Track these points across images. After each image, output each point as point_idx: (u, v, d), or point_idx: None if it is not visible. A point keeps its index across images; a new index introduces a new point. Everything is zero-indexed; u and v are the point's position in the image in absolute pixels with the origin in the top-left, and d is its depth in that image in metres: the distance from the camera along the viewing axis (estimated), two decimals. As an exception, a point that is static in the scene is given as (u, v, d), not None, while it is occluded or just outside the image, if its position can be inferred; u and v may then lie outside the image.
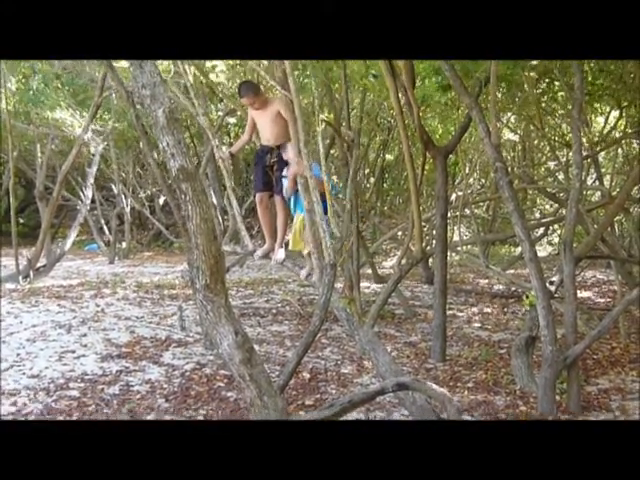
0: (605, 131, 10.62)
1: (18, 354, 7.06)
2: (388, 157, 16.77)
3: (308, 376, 6.58)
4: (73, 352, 7.22)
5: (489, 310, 10.15)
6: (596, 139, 10.03)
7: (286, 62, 4.86)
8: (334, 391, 6.21)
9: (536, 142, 13.67)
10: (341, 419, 4.85)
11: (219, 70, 8.85)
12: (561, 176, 11.67)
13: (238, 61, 7.98)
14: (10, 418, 5.26)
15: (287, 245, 6.18)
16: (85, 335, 7.98)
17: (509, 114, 10.80)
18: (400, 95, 6.89)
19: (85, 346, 7.49)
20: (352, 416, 5.34)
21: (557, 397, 5.70)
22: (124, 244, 16.64)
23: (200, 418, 5.43)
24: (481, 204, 16.12)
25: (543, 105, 9.23)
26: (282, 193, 5.99)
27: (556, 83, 8.26)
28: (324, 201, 5.38)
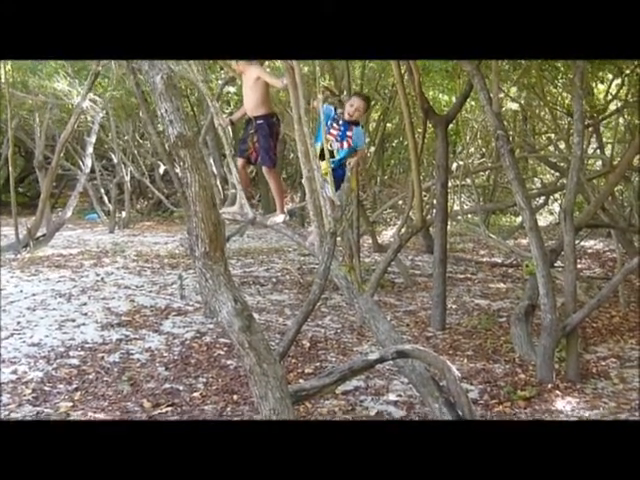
0: (607, 99, 10.54)
1: (18, 322, 7.08)
2: (388, 126, 16.68)
3: (308, 344, 6.61)
4: (73, 321, 7.24)
5: (489, 279, 10.17)
6: (597, 107, 9.95)
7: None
8: (334, 359, 6.23)
9: (537, 111, 13.60)
10: (340, 419, 4.87)
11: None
12: (562, 145, 11.62)
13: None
14: (10, 386, 5.29)
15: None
16: (85, 304, 8.01)
17: (510, 83, 10.73)
18: (401, 63, 6.83)
19: (85, 315, 7.51)
20: (352, 384, 5.38)
21: (556, 365, 5.72)
22: (124, 213, 16.62)
23: (200, 386, 5.45)
24: (481, 173, 16.08)
25: (544, 73, 9.15)
26: (269, 163, 5.97)
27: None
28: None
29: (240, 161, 6.15)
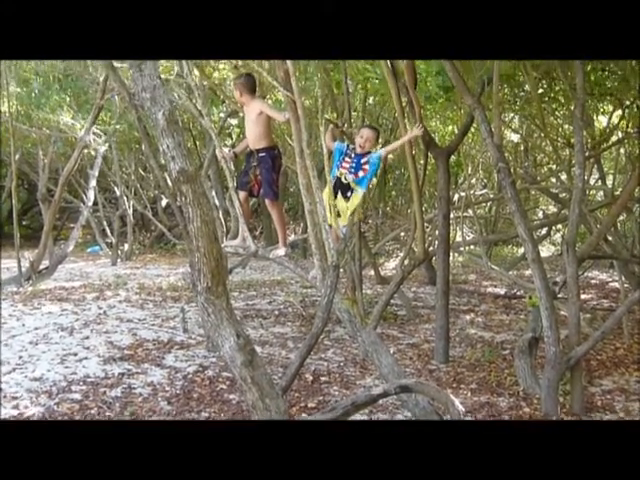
0: (607, 131, 10.58)
1: (20, 357, 7.05)
2: (390, 157, 16.71)
3: (311, 378, 6.57)
4: (75, 355, 7.21)
5: (492, 311, 10.13)
6: (598, 138, 9.98)
7: (288, 62, 4.84)
8: (337, 393, 6.19)
9: (538, 142, 13.64)
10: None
11: (222, 67, 8.89)
12: (564, 176, 11.64)
13: (241, 62, 8.00)
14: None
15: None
16: (87, 338, 7.98)
17: (511, 114, 10.78)
18: (402, 96, 6.87)
19: (87, 349, 7.48)
20: (355, 419, 5.33)
21: (560, 398, 5.69)
22: (126, 246, 16.61)
23: (202, 420, 5.42)
24: (483, 204, 16.10)
25: (545, 105, 9.20)
26: (272, 196, 6.03)
27: (558, 82, 8.24)
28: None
29: (242, 194, 6.18)
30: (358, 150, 5.81)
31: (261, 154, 5.94)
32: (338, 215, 5.79)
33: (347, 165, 5.85)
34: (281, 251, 6.09)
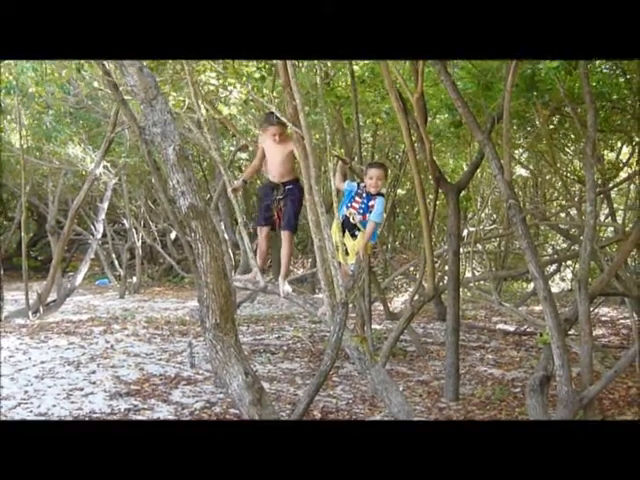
0: (618, 166, 10.56)
1: (26, 391, 6.99)
2: (399, 192, 16.73)
3: (319, 415, 6.49)
4: (81, 390, 7.15)
5: (502, 347, 10.04)
6: (608, 175, 9.95)
7: (297, 99, 4.82)
8: (345, 431, 6.11)
9: (548, 177, 13.61)
10: (341, 419, 4.75)
11: (232, 102, 8.93)
12: (573, 212, 11.61)
13: (251, 97, 8.03)
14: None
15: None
16: (94, 372, 7.92)
17: (520, 150, 10.77)
18: (412, 131, 6.86)
19: (94, 383, 7.42)
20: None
21: (573, 438, 5.59)
22: (135, 278, 16.61)
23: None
24: (493, 240, 16.05)
25: (555, 141, 9.19)
26: (293, 229, 6.01)
27: (568, 119, 8.23)
28: None
29: (265, 230, 6.13)
30: (372, 191, 5.79)
31: (288, 186, 5.93)
32: (346, 253, 5.75)
33: (357, 205, 5.84)
34: (288, 287, 6.06)
